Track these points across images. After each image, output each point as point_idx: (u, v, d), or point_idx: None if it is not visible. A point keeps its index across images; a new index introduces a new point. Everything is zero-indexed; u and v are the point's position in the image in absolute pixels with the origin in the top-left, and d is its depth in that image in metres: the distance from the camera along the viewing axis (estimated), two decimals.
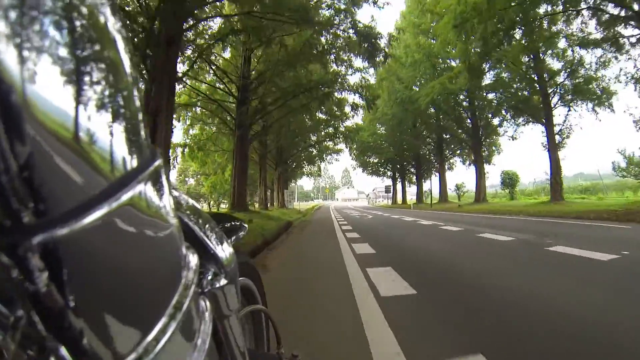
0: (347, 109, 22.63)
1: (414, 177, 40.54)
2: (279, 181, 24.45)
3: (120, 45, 0.24)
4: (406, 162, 36.82)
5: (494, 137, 23.09)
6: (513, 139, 24.22)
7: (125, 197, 0.22)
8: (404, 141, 29.64)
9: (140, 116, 0.26)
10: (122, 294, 0.22)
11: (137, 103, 0.25)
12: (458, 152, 30.33)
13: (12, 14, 0.16)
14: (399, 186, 42.95)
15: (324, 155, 32.80)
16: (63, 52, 0.19)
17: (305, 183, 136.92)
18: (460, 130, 24.98)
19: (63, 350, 0.18)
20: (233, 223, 0.80)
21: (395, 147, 30.67)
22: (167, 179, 0.29)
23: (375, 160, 41.76)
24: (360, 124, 28.34)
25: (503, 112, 21.20)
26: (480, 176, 21.45)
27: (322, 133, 27.66)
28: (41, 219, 0.17)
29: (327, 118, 23.54)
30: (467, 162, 31.94)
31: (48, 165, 0.17)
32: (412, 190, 42.57)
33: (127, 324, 0.22)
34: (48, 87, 0.18)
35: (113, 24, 0.23)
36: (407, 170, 38.43)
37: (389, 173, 43.04)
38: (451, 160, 35.35)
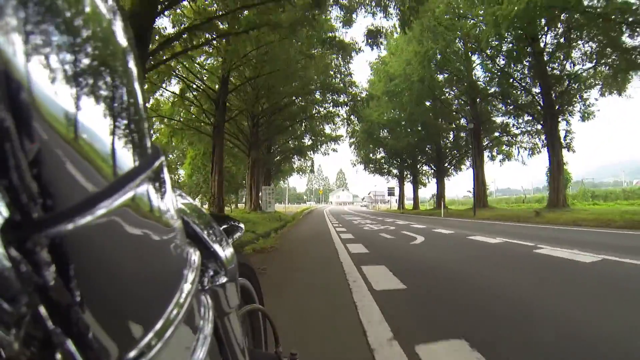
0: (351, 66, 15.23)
1: (423, 177, 33.36)
2: (253, 171, 16.81)
3: (125, 46, 0.24)
4: (421, 155, 29.52)
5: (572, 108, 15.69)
6: (585, 118, 17.07)
7: (129, 195, 0.22)
8: (424, 124, 22.14)
9: (144, 115, 0.26)
10: (126, 290, 0.22)
11: (141, 102, 0.26)
12: (486, 144, 23.16)
13: (22, 16, 0.16)
14: (406, 188, 35.55)
15: (318, 145, 25.35)
16: (69, 53, 0.19)
17: (297, 184, 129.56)
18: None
19: (70, 344, 0.18)
20: (231, 223, 0.81)
21: (412, 133, 23.08)
22: (170, 176, 0.30)
23: (379, 156, 34.49)
24: (368, 88, 20.67)
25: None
26: (558, 170, 14.08)
27: (315, 112, 20.27)
28: (50, 214, 0.17)
29: (324, 80, 16.05)
30: (500, 157, 24.84)
31: (56, 162, 0.17)
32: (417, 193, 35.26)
33: (131, 318, 0.22)
34: (55, 88, 0.18)
35: (118, 27, 0.24)
36: (419, 167, 31.09)
37: (394, 171, 35.69)
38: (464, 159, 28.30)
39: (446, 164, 26.14)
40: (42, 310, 0.17)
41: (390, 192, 45.34)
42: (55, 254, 0.17)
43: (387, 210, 36.64)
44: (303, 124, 20.58)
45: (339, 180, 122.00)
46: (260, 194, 18.46)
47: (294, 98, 17.87)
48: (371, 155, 34.14)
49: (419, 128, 23.69)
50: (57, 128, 0.18)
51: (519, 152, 24.26)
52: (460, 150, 26.57)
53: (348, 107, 18.12)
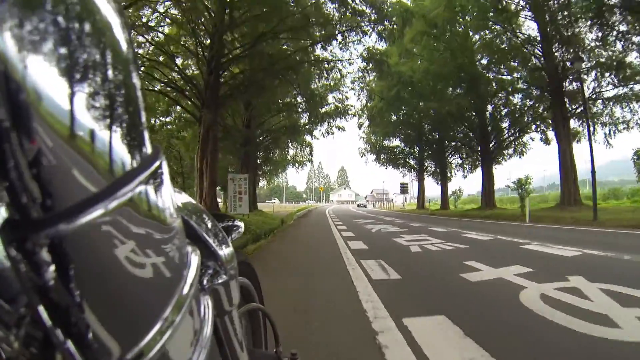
0: None
1: (441, 170, 26.45)
2: (205, 147, 9.74)
3: (124, 47, 0.24)
4: (449, 141, 22.55)
5: None
6: None
7: (129, 194, 0.22)
8: (473, 79, 14.95)
9: (143, 116, 0.26)
10: (126, 290, 0.22)
11: (140, 103, 0.26)
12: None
13: (21, 17, 0.16)
14: (427, 183, 28.46)
15: (318, 122, 18.38)
16: (69, 54, 0.19)
17: (297, 182, 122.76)
18: None
19: (69, 345, 0.18)
20: (230, 222, 0.81)
21: (459, 94, 15.79)
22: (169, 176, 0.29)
23: (393, 144, 27.56)
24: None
25: None
26: None
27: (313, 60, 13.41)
28: (49, 214, 0.17)
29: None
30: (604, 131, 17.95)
31: (54, 162, 0.17)
32: (415, 192, 28.01)
33: (131, 318, 0.22)
34: (54, 88, 0.18)
35: (118, 28, 0.23)
36: (448, 154, 24.06)
37: (412, 162, 28.68)
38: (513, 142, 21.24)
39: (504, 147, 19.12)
40: (42, 310, 0.17)
41: (403, 189, 38.22)
42: (55, 254, 0.17)
43: (402, 210, 29.61)
44: (295, 86, 13.50)
45: (340, 178, 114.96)
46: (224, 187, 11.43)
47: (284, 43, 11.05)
48: (385, 141, 27.22)
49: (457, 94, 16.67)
50: (57, 128, 0.18)
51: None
52: (500, 131, 19.63)
53: (368, 42, 11.14)
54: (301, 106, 16.54)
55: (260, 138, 18.30)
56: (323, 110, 17.22)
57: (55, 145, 0.17)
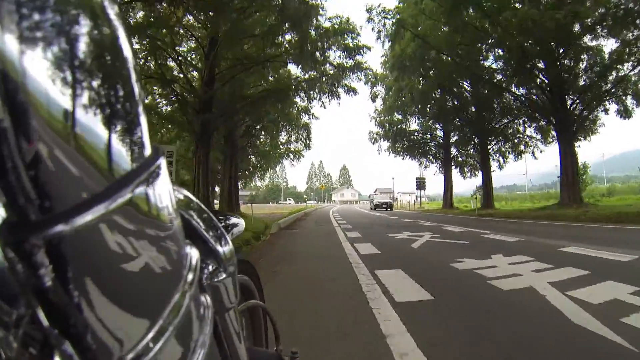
0: None
1: (468, 160, 20.64)
2: None
3: (124, 46, 0.24)
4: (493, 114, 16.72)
5: None
6: None
7: (128, 195, 0.22)
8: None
9: (143, 116, 0.26)
10: (125, 290, 0.22)
11: (139, 103, 0.25)
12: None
13: (20, 16, 0.16)
14: (435, 179, 22.50)
15: (315, 91, 12.50)
16: (67, 53, 0.19)
17: (298, 182, 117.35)
18: None
19: (68, 346, 0.18)
20: (231, 220, 0.80)
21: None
22: (170, 176, 0.29)
23: (411, 128, 21.84)
24: None
25: None
26: None
27: None
28: (47, 216, 0.17)
29: None
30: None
31: (53, 163, 0.17)
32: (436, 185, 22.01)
33: (130, 319, 0.22)
34: (53, 88, 0.18)
35: (117, 26, 0.23)
36: (491, 139, 18.17)
37: (433, 149, 22.86)
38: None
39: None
40: (40, 312, 0.17)
41: (420, 185, 32.08)
42: (53, 256, 0.17)
43: (426, 211, 23.69)
44: None
45: (342, 177, 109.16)
46: None
47: None
48: (403, 124, 21.43)
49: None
50: (56, 129, 0.18)
51: None
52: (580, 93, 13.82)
53: None
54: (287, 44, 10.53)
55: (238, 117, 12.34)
56: (323, 56, 11.30)
57: (54, 146, 0.17)
